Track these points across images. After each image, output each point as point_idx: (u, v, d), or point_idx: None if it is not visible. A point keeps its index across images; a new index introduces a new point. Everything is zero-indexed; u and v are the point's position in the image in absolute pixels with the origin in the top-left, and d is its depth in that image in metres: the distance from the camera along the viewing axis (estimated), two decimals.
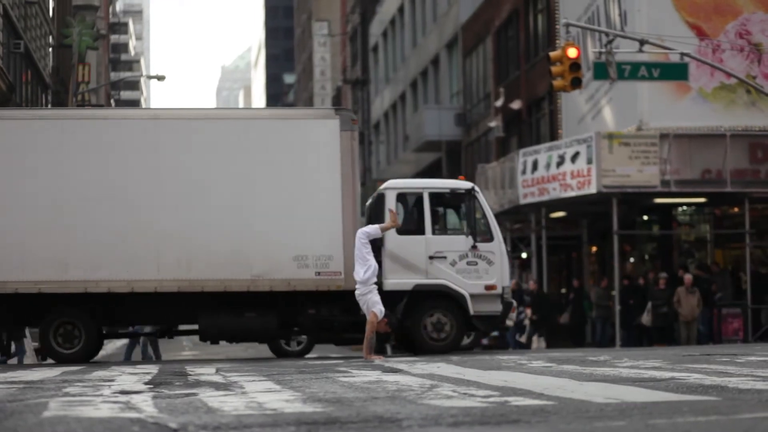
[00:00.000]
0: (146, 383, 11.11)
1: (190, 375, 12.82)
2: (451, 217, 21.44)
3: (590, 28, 34.00)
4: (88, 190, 20.14)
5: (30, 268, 19.67)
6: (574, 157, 31.89)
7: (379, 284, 18.97)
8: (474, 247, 20.28)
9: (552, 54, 29.07)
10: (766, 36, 33.51)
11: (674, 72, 30.00)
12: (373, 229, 17.71)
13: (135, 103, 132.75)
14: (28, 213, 19.98)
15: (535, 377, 10.76)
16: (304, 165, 20.42)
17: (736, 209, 32.85)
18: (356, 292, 17.55)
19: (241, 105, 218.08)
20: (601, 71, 29.15)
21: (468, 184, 20.94)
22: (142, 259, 20.04)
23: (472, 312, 20.19)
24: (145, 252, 20.04)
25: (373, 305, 17.17)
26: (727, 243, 34.22)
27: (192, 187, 20.27)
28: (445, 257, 20.27)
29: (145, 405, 8.30)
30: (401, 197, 20.82)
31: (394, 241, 20.20)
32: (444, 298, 20.31)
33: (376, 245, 19.08)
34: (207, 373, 13.32)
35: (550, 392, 8.72)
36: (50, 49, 51.55)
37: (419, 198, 20.68)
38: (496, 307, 20.41)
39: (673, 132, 30.89)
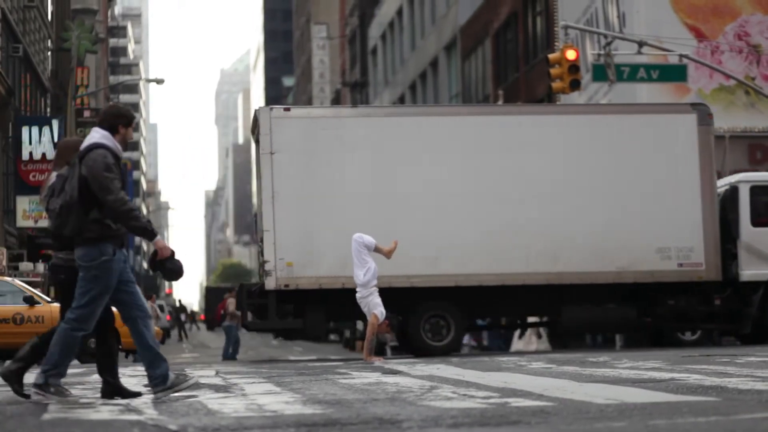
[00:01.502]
0: (146, 385, 11.10)
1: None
2: None
3: (589, 30, 34.01)
4: (458, 186, 20.73)
5: (402, 263, 19.80)
6: None
7: (735, 276, 19.43)
8: None
9: (551, 56, 29.06)
10: (765, 37, 33.51)
11: (673, 73, 30.00)
12: (370, 242, 17.55)
13: (134, 107, 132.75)
14: (403, 210, 20.55)
15: (535, 378, 10.76)
16: (663, 158, 20.96)
17: None
18: (357, 295, 17.53)
19: (240, 109, 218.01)
20: (600, 73, 29.14)
21: None
22: (512, 252, 20.61)
23: None
24: (514, 246, 20.60)
25: (374, 307, 17.15)
26: None
27: (556, 182, 20.86)
28: None
29: (145, 407, 8.30)
30: (755, 190, 21.14)
31: (749, 233, 20.62)
32: None
33: (731, 236, 19.95)
34: (207, 375, 13.32)
35: (550, 393, 8.72)
36: (49, 53, 51.55)
37: None
38: None
39: None
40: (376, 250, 17.36)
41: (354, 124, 21.00)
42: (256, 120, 21.26)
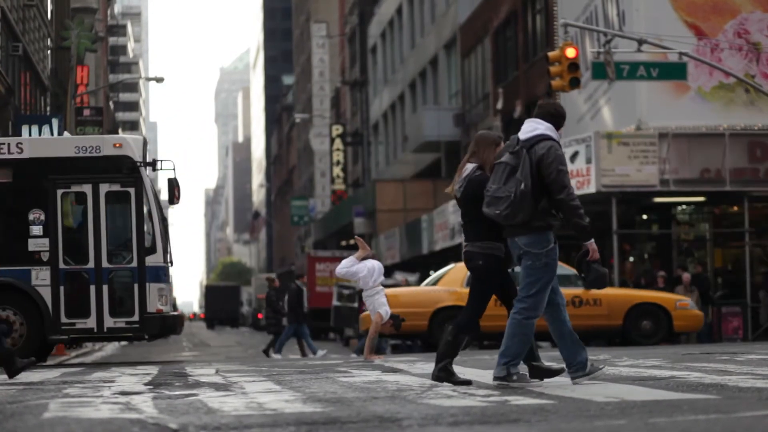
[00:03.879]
0: (146, 384, 11.11)
1: (190, 376, 12.82)
2: None
3: (589, 28, 33.99)
4: None
5: None
6: (573, 157, 31.86)
7: None
8: None
9: (550, 54, 29.05)
10: (765, 35, 33.50)
11: (673, 71, 29.99)
12: (349, 260, 17.49)
13: (133, 106, 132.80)
14: None
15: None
16: None
17: (735, 208, 32.83)
18: (363, 293, 17.54)
19: (239, 107, 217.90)
20: (599, 71, 29.13)
21: None
22: None
23: None
24: None
25: (379, 306, 17.14)
26: (727, 242, 34.20)
27: None
28: None
29: (145, 406, 8.30)
30: None
31: None
32: None
33: None
34: (207, 373, 13.32)
35: (549, 391, 8.73)
36: (49, 52, 51.53)
37: None
38: None
39: (672, 131, 30.88)
40: (360, 258, 17.23)
41: None
42: None
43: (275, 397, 8.83)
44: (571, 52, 28.04)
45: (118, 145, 19.31)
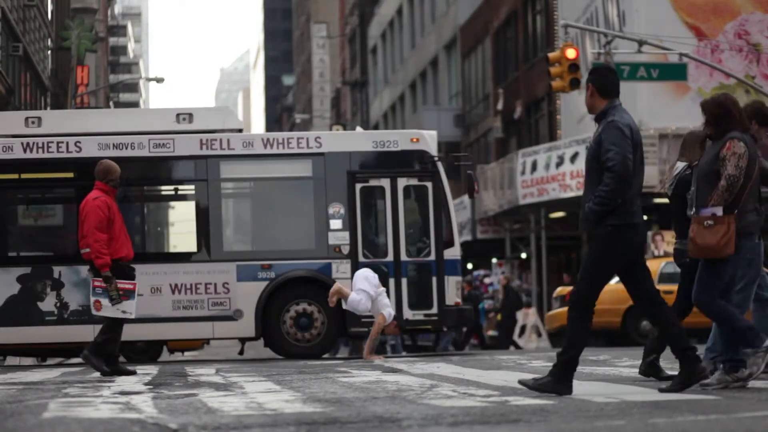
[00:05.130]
0: (146, 384, 11.10)
1: (189, 375, 12.82)
2: None
3: (589, 29, 33.99)
4: None
5: None
6: (574, 158, 31.88)
7: None
8: None
9: (551, 55, 29.04)
10: (765, 36, 33.52)
11: (673, 72, 30.00)
12: (351, 302, 17.35)
13: (134, 106, 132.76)
14: None
15: (536, 377, 10.76)
16: None
17: None
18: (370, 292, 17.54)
19: (240, 108, 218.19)
20: None
21: None
22: None
23: None
24: None
25: (383, 307, 17.11)
26: None
27: None
28: None
29: (145, 405, 8.30)
30: None
31: None
32: None
33: None
34: (207, 373, 13.31)
35: None
36: (49, 52, 51.56)
37: None
38: None
39: (672, 132, 30.88)
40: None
41: None
42: None
43: (275, 397, 8.83)
44: (571, 53, 28.04)
45: (415, 140, 19.41)
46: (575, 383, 9.40)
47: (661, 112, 32.50)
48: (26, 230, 19.89)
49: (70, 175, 18.96)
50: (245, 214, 20.15)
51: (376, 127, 72.92)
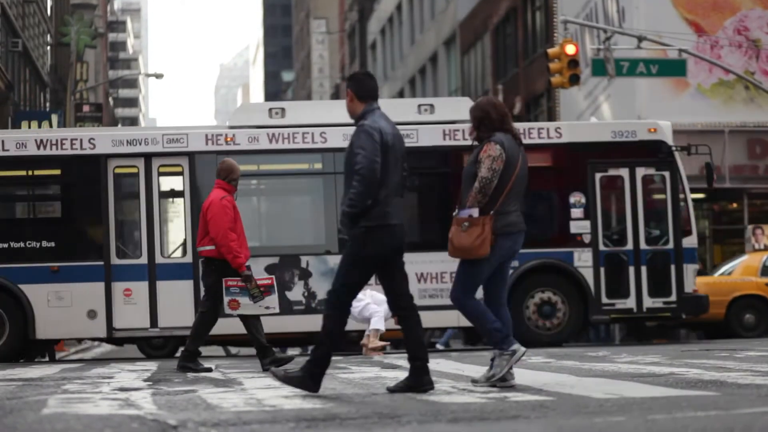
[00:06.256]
0: (145, 380, 11.10)
1: (188, 372, 12.81)
2: None
3: (588, 24, 33.98)
4: None
5: None
6: None
7: None
8: None
9: (550, 51, 29.04)
10: (764, 32, 33.50)
11: (672, 68, 29.97)
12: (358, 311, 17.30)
13: (133, 102, 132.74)
14: None
15: (534, 373, 10.76)
16: None
17: (734, 205, 32.85)
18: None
19: (239, 103, 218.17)
20: (599, 68, 29.13)
21: None
22: None
23: None
24: None
25: (380, 303, 17.10)
26: (726, 239, 34.22)
27: None
28: None
29: (145, 402, 8.30)
30: None
31: None
32: None
33: None
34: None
35: (549, 388, 8.73)
36: (48, 48, 51.53)
37: None
38: None
39: (672, 128, 30.87)
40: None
41: None
42: None
43: (274, 393, 8.83)
44: (570, 49, 28.04)
45: (652, 130, 19.85)
46: (575, 379, 9.42)
47: (660, 108, 32.45)
48: (273, 221, 20.27)
49: (318, 165, 19.40)
50: None
51: None
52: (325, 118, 19.34)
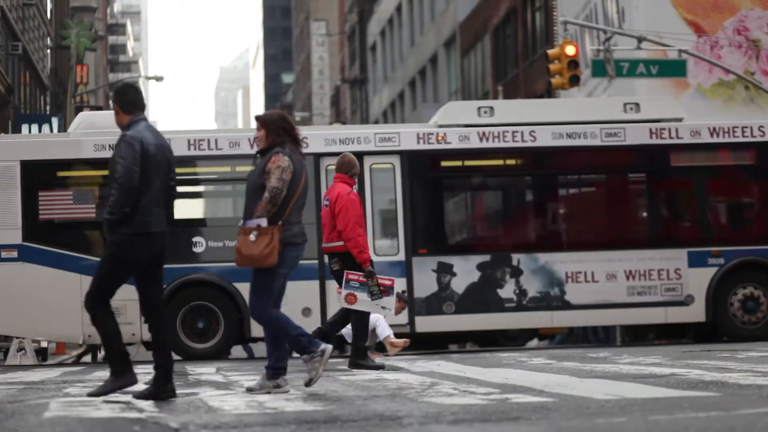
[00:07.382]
0: (146, 383, 11.10)
1: (190, 374, 12.82)
2: None
3: (588, 25, 33.99)
4: None
5: None
6: None
7: None
8: None
9: (550, 52, 29.04)
10: (764, 32, 33.50)
11: (672, 69, 29.98)
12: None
13: None
14: None
15: (536, 374, 10.77)
16: None
17: None
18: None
19: (239, 106, 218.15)
20: (599, 69, 29.13)
21: None
22: None
23: None
24: None
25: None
26: None
27: None
28: None
29: (146, 405, 8.31)
30: None
31: None
32: None
33: None
34: (207, 372, 13.32)
35: (550, 389, 8.73)
36: (48, 51, 51.53)
37: None
38: None
39: None
40: None
41: None
42: None
43: (276, 396, 8.84)
44: (570, 50, 28.04)
45: None
46: (576, 381, 9.41)
47: None
48: (483, 218, 20.70)
49: (528, 164, 19.71)
50: (692, 203, 20.52)
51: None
52: (532, 117, 19.65)
